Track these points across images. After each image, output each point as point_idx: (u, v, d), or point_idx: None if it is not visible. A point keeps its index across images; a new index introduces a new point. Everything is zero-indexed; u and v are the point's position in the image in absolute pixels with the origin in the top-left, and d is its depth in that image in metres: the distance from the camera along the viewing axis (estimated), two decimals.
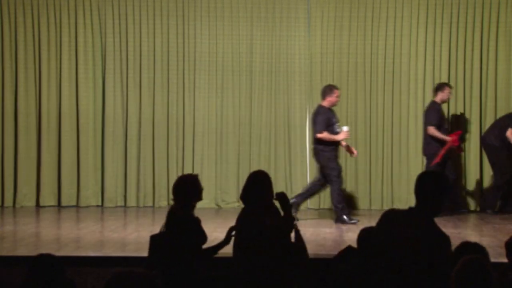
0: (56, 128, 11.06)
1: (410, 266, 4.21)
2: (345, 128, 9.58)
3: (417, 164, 10.84)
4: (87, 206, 10.96)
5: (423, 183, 4.42)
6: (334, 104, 9.72)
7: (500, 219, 9.91)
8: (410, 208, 4.45)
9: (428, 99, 10.87)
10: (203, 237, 5.76)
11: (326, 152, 9.47)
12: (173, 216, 5.69)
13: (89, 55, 11.08)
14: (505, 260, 4.97)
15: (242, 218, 5.87)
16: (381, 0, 10.95)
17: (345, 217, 9.45)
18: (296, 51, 11.05)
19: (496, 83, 10.87)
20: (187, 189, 5.75)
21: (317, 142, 9.56)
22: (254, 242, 5.62)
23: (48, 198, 11.03)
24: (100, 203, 11.08)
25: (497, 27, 10.88)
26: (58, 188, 11.06)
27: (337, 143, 9.59)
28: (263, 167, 10.79)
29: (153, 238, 5.76)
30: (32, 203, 11.02)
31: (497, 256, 6.28)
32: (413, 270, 4.20)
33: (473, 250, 4.65)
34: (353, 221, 9.40)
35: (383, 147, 10.98)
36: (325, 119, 9.52)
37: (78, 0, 11.04)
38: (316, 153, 9.61)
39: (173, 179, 10.89)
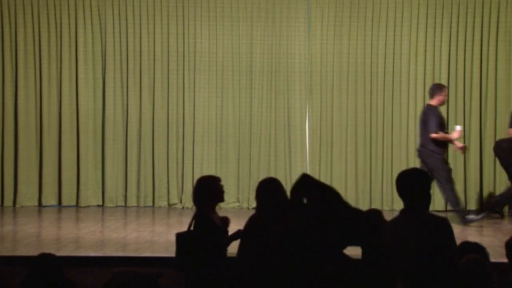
0: (56, 128, 11.06)
1: (420, 262, 4.22)
2: (458, 128, 9.46)
3: (417, 164, 10.82)
4: (87, 206, 10.96)
5: (404, 183, 4.58)
6: (443, 103, 9.62)
7: (500, 219, 9.91)
8: (402, 210, 4.48)
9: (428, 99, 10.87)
10: (219, 238, 5.78)
11: (437, 154, 9.27)
12: (193, 217, 5.81)
13: (89, 55, 11.08)
14: (505, 260, 4.97)
15: (250, 221, 5.84)
16: (381, 1, 10.95)
17: (469, 217, 9.26)
18: (296, 51, 11.05)
19: (496, 83, 10.86)
20: (199, 192, 5.85)
21: (426, 143, 9.32)
22: (258, 247, 5.61)
23: (48, 198, 11.02)
24: (100, 203, 11.07)
25: (497, 27, 10.87)
26: (58, 188, 11.06)
27: (447, 144, 9.47)
28: (263, 167, 10.81)
29: (178, 235, 5.84)
30: (32, 203, 11.01)
31: (497, 256, 6.28)
32: (424, 264, 4.22)
33: (473, 250, 4.66)
34: (481, 215, 9.28)
35: (383, 147, 10.98)
36: (437, 118, 9.34)
37: (78, 0, 11.04)
38: (427, 156, 9.33)
39: (173, 179, 11.04)
